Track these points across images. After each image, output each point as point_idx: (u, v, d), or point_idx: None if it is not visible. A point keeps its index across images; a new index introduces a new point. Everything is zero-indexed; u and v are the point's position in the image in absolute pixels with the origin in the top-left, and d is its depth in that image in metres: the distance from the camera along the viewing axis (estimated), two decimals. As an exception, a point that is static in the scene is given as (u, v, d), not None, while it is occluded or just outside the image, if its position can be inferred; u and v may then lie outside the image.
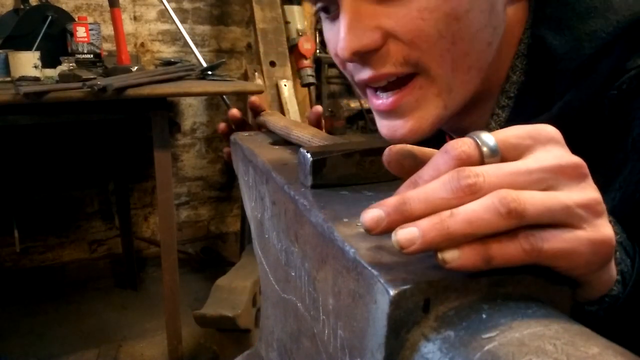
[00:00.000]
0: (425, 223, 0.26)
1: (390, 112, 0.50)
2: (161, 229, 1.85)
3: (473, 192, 0.26)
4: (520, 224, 0.26)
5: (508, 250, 0.26)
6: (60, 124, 2.22)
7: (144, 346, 2.16)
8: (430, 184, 0.28)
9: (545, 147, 0.29)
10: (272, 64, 2.43)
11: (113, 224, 2.69)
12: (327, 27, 0.54)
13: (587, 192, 0.28)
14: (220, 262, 2.83)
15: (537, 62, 0.50)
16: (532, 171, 0.27)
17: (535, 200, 0.26)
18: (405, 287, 0.25)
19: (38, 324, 2.28)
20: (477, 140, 0.28)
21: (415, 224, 0.27)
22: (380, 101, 0.50)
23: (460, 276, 0.26)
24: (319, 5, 0.52)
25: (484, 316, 0.26)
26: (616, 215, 0.38)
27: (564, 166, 0.28)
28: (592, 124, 0.47)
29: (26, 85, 1.56)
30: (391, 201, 0.28)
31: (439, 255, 0.26)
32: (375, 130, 0.59)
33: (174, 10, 2.32)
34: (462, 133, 0.59)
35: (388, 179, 0.42)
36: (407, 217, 0.27)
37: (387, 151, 0.32)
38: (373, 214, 0.28)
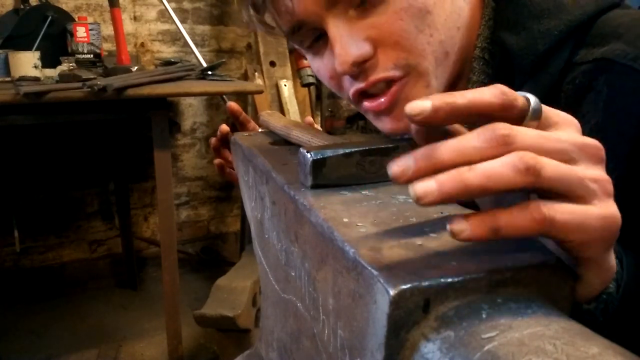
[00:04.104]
0: (443, 176, 0.27)
1: (389, 108, 0.54)
2: (161, 229, 1.85)
3: (506, 144, 0.27)
4: (536, 184, 0.27)
5: (517, 220, 0.27)
6: (60, 124, 2.22)
7: (144, 346, 2.16)
8: (464, 135, 0.28)
9: (571, 128, 0.32)
10: (272, 64, 2.43)
11: (113, 224, 2.69)
12: (314, 60, 0.58)
13: (602, 172, 0.30)
14: (220, 262, 2.83)
15: (498, 62, 0.54)
16: (562, 140, 0.29)
17: (552, 165, 0.28)
18: (405, 287, 0.25)
19: (38, 324, 2.28)
20: (528, 98, 0.31)
21: (433, 177, 0.27)
22: (377, 101, 0.54)
23: (460, 276, 0.27)
24: (309, 42, 0.56)
25: (484, 316, 0.26)
26: None
27: (588, 145, 0.30)
28: None
29: (26, 85, 1.56)
30: (421, 150, 0.28)
31: (448, 227, 0.27)
32: (375, 130, 0.61)
33: (174, 10, 2.32)
34: None
35: (388, 179, 0.42)
36: (435, 165, 0.27)
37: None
38: (400, 161, 0.28)
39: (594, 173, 0.30)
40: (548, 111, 0.32)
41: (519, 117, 0.30)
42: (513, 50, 0.51)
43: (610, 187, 0.30)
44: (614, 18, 0.50)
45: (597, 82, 0.47)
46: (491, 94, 0.29)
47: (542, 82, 0.50)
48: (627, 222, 0.42)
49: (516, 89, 0.50)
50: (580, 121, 0.48)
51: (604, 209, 0.29)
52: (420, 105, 0.28)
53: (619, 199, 0.45)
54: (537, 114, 0.31)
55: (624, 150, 0.45)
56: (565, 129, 0.32)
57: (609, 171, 0.46)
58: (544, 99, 0.49)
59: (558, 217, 0.27)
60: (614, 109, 0.46)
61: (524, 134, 0.28)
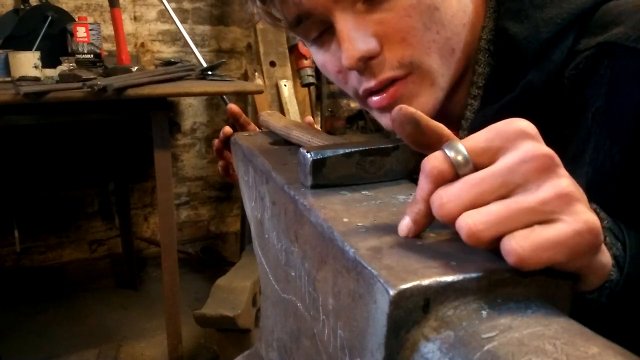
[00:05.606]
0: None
1: (391, 105, 0.54)
2: (161, 229, 1.85)
3: (443, 216, 0.30)
4: (485, 244, 0.28)
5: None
6: (60, 124, 2.22)
7: (144, 346, 2.16)
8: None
9: (515, 143, 0.30)
10: (272, 64, 2.43)
11: (113, 224, 2.69)
12: (319, 53, 0.58)
13: (558, 182, 0.29)
14: (220, 262, 2.83)
15: (502, 51, 0.54)
16: (496, 174, 0.29)
17: (489, 221, 0.28)
18: (405, 287, 0.25)
19: (38, 324, 2.28)
20: (447, 152, 0.30)
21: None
22: (379, 97, 0.54)
23: (460, 276, 0.27)
24: (314, 34, 0.55)
25: (484, 316, 0.26)
26: (592, 188, 0.39)
27: (529, 161, 0.29)
28: (555, 103, 0.51)
29: (26, 85, 1.56)
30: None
31: None
32: (374, 130, 0.62)
33: (174, 10, 2.32)
34: (448, 119, 0.61)
35: (388, 179, 0.42)
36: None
37: (395, 110, 0.33)
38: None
39: (546, 191, 0.28)
40: (486, 141, 0.30)
41: (454, 176, 0.31)
42: (517, 38, 0.51)
43: (574, 194, 0.29)
44: (615, 7, 0.50)
45: (601, 66, 0.47)
46: (425, 181, 0.31)
47: (546, 70, 0.50)
48: (630, 204, 0.42)
49: (520, 78, 0.52)
50: (583, 106, 0.49)
51: (574, 223, 0.28)
52: (404, 228, 0.32)
53: (622, 181, 0.45)
54: (466, 161, 0.30)
55: (627, 132, 0.45)
56: (510, 148, 0.30)
57: (612, 154, 0.46)
58: (547, 87, 0.50)
59: (528, 254, 0.27)
60: (617, 91, 0.46)
61: (455, 198, 0.29)
